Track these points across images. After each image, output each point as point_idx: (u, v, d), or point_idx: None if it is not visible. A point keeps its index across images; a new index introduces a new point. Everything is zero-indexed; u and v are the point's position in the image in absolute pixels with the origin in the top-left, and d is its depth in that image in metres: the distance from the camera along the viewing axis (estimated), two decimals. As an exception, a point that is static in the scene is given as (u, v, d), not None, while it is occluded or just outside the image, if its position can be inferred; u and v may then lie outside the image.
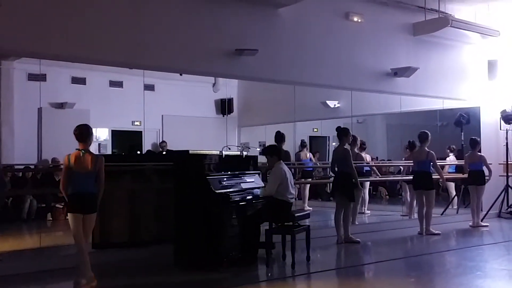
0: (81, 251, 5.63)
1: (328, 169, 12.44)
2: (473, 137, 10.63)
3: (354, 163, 8.60)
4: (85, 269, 5.60)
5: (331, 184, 10.40)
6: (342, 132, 8.52)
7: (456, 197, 11.99)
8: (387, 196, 15.05)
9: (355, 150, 10.31)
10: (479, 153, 10.47)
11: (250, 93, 14.94)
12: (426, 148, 9.46)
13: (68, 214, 5.70)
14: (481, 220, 10.49)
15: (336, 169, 8.59)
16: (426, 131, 9.58)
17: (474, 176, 10.35)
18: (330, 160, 9.92)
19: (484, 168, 10.36)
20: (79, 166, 5.59)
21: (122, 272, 6.59)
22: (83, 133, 5.69)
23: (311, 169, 13.53)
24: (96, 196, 5.71)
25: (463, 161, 10.84)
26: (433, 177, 9.59)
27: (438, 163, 9.75)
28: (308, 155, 13.14)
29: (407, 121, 13.52)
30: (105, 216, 7.20)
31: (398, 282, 6.22)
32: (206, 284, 6.08)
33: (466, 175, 10.64)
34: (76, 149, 5.66)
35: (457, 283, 6.10)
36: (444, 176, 10.25)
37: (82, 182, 5.60)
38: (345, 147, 8.51)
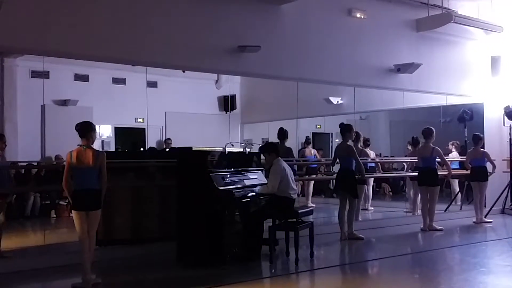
0: (83, 251, 5.65)
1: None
2: (476, 133, 10.62)
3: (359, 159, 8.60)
4: (86, 270, 5.62)
5: (334, 180, 10.39)
6: (346, 129, 8.51)
7: (459, 193, 11.97)
8: (391, 193, 15.05)
9: (359, 146, 10.30)
10: (482, 149, 10.45)
11: (253, 89, 14.91)
12: (431, 144, 9.44)
13: (73, 212, 5.72)
14: (485, 216, 10.48)
15: (337, 164, 8.59)
16: (431, 127, 9.56)
17: (477, 172, 10.33)
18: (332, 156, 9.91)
19: (488, 164, 10.35)
20: (81, 162, 5.62)
21: (125, 269, 6.62)
22: (84, 128, 5.72)
23: (316, 165, 13.52)
24: (99, 193, 5.72)
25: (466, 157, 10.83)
26: (438, 173, 9.58)
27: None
28: (312, 152, 13.12)
29: (410, 118, 13.50)
30: (108, 213, 7.20)
31: (402, 279, 6.21)
32: (209, 280, 6.06)
33: (469, 172, 10.62)
34: (78, 145, 5.70)
35: (461, 279, 6.09)
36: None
37: (85, 178, 5.62)
38: (348, 143, 8.51)
